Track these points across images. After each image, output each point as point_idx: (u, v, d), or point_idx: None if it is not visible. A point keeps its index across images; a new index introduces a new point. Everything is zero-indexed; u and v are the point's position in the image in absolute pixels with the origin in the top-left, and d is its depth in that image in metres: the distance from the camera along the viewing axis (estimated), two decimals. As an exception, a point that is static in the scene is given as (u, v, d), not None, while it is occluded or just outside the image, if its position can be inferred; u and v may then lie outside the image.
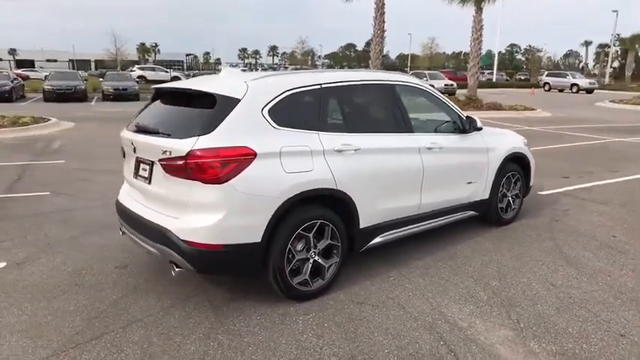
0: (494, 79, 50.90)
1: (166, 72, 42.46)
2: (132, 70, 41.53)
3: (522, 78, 62.33)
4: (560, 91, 38.43)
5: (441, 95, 4.65)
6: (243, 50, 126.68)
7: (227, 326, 3.17)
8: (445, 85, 32.15)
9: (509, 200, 5.26)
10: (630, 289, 3.74)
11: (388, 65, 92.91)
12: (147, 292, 3.64)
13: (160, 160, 3.19)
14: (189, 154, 3.00)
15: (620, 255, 4.42)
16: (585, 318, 3.30)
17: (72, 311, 3.34)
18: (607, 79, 51.80)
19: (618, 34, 64.44)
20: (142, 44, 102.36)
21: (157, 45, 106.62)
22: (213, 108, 3.16)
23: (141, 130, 3.45)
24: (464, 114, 4.74)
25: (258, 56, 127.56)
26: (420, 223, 4.29)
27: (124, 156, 3.85)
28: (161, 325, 3.17)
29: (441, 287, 3.76)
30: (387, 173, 3.88)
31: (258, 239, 3.16)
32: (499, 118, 17.48)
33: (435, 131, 4.45)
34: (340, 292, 3.65)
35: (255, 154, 3.10)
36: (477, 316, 3.32)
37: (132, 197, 3.72)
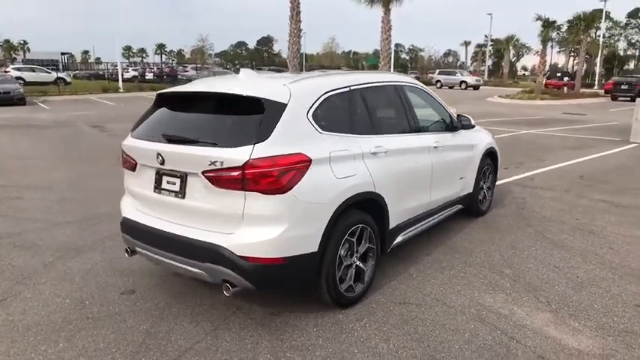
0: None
1: (49, 73, 38.42)
2: (6, 71, 36.88)
3: (413, 77, 66.49)
4: (450, 87, 41.69)
5: (435, 94, 4.84)
6: (128, 49, 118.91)
7: (289, 343, 3.01)
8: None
9: (484, 192, 5.63)
10: (619, 264, 4.24)
11: (280, 64, 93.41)
12: (177, 318, 3.32)
13: (205, 172, 2.92)
14: (247, 164, 2.79)
15: (593, 235, 4.97)
16: (600, 294, 3.67)
17: (105, 349, 2.94)
18: (485, 77, 57.47)
19: (491, 35, 72.10)
20: (7, 41, 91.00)
21: (25, 42, 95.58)
22: (259, 113, 2.97)
23: (172, 139, 3.11)
24: (454, 112, 4.99)
25: (144, 55, 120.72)
26: (428, 219, 4.44)
27: (132, 169, 3.44)
28: (218, 351, 2.92)
29: (464, 280, 3.93)
30: (408, 173, 3.96)
31: (315, 248, 3.05)
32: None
33: (435, 130, 4.62)
34: (375, 294, 3.65)
35: (310, 161, 2.98)
36: (512, 303, 3.53)
37: (149, 214, 3.36)
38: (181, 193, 3.11)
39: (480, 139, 5.40)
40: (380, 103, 3.91)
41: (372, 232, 3.53)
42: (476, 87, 41.07)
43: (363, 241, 3.48)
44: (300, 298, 3.50)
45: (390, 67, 21.88)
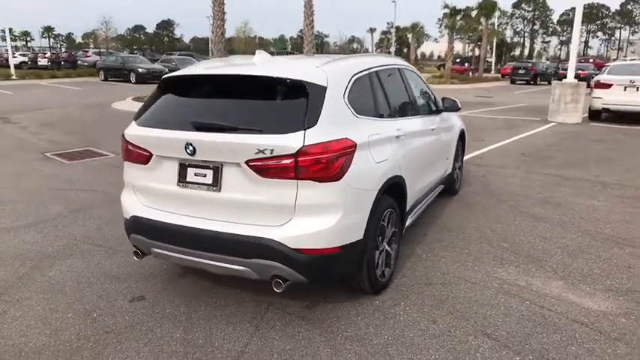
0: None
1: None
2: None
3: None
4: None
5: (422, 77, 4.91)
6: (9, 31, 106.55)
7: (341, 334, 2.92)
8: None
9: (457, 172, 5.88)
10: (595, 231, 4.66)
11: (182, 48, 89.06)
12: (208, 321, 3.07)
13: (250, 162, 2.69)
14: (300, 151, 2.62)
15: (560, 207, 5.41)
16: (594, 259, 4.02)
17: (146, 363, 2.63)
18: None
19: (392, 23, 75.00)
20: None
21: None
22: (302, 97, 2.79)
23: (204, 127, 2.82)
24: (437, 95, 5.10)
25: (28, 38, 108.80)
26: (425, 200, 4.54)
27: (144, 162, 3.08)
28: (274, 352, 2.75)
29: (471, 256, 4.08)
30: (419, 155, 4.00)
31: (362, 235, 2.98)
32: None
33: (429, 112, 4.69)
34: (398, 277, 3.66)
35: (355, 146, 2.88)
36: (525, 275, 3.74)
37: (169, 211, 3.04)
38: (216, 186, 2.84)
39: (455, 120, 5.61)
40: (391, 86, 3.88)
41: (396, 215, 3.53)
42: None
43: (390, 226, 3.47)
44: (321, 287, 3.41)
45: (312, 53, 21.85)
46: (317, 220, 2.73)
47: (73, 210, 5.28)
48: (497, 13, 48.81)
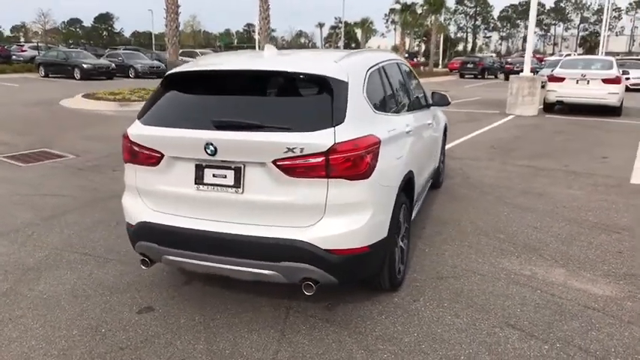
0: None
1: None
2: None
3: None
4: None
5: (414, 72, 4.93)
6: None
7: (371, 334, 2.87)
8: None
9: (441, 165, 5.97)
10: (580, 219, 4.86)
11: (122, 43, 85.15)
12: (230, 329, 2.93)
13: (278, 161, 2.57)
14: (332, 149, 2.54)
15: (542, 197, 5.61)
16: (587, 246, 4.19)
17: (176, 379, 2.47)
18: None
19: (340, 17, 75.74)
20: None
21: None
22: (326, 93, 2.71)
23: (226, 125, 2.66)
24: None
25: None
26: (423, 194, 4.57)
27: (153, 163, 2.88)
28: (307, 357, 2.65)
29: (472, 248, 4.15)
30: (422, 150, 4.02)
31: (386, 233, 2.94)
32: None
33: (422, 107, 4.71)
34: (411, 273, 3.66)
35: (379, 142, 2.82)
36: (527, 264, 3.84)
37: (183, 215, 2.86)
38: (238, 187, 2.70)
39: (440, 115, 5.68)
40: (395, 81, 3.85)
41: (407, 211, 3.52)
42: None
43: (404, 222, 3.45)
44: (336, 287, 3.34)
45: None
46: (348, 219, 2.66)
47: (44, 217, 4.91)
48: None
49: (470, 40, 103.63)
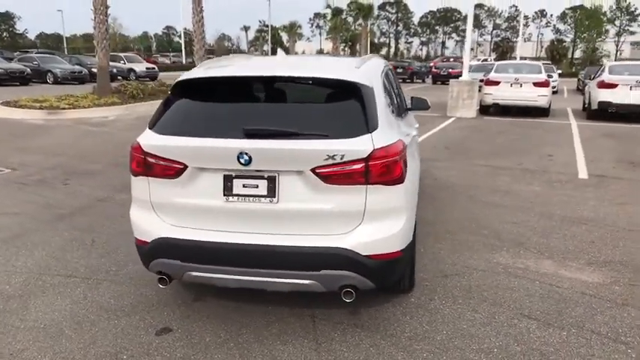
0: (184, 62, 51.52)
1: None
2: None
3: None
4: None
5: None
6: None
7: (402, 335, 2.92)
8: (147, 68, 30.75)
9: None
10: (549, 213, 5.24)
11: (25, 45, 78.53)
12: (261, 344, 2.85)
13: (317, 169, 2.55)
14: (372, 155, 2.56)
15: (509, 194, 5.98)
16: (562, 237, 4.53)
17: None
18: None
19: (264, 21, 75.44)
20: None
21: None
22: (353, 99, 2.72)
23: (258, 134, 2.58)
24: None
25: None
26: None
27: (174, 175, 2.73)
28: (349, 364, 2.65)
29: (463, 245, 4.34)
30: (415, 153, 4.11)
31: (412, 236, 3.00)
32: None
33: (406, 111, 4.84)
34: (416, 273, 3.74)
35: (405, 147, 2.89)
36: (518, 257, 4.08)
37: (209, 228, 2.74)
38: (272, 197, 2.64)
39: (413, 118, 5.86)
40: (394, 86, 3.93)
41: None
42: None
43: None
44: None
45: (204, 52, 21.02)
46: (386, 224, 2.69)
47: (4, 239, 4.47)
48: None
49: (392, 45, 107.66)
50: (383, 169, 2.61)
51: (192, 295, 3.41)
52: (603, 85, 11.84)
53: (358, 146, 2.56)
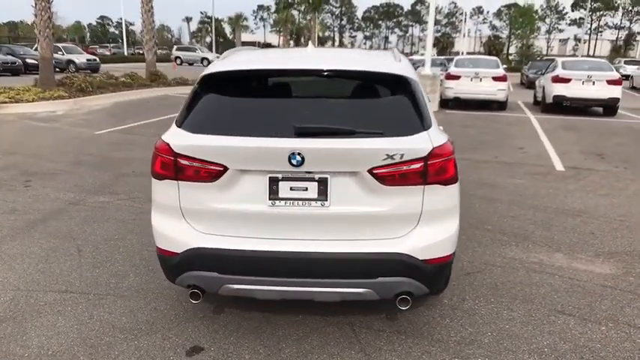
0: (125, 53, 49.05)
1: None
2: None
3: (141, 52, 62.32)
4: (191, 64, 40.95)
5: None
6: None
7: (450, 340, 2.82)
8: (88, 60, 28.94)
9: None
10: (545, 206, 5.35)
11: None
12: (306, 357, 2.66)
13: (374, 169, 2.37)
14: (432, 154, 2.41)
15: (497, 188, 6.06)
16: (564, 230, 4.62)
17: None
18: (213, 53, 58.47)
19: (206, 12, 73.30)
20: None
21: None
22: (402, 95, 2.57)
23: (310, 132, 2.35)
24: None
25: None
26: None
27: (212, 178, 2.45)
28: (408, 375, 2.51)
29: (473, 242, 4.31)
30: None
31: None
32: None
33: None
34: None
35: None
36: (528, 252, 4.11)
37: (251, 236, 2.49)
38: (324, 200, 2.43)
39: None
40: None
41: None
42: (217, 64, 41.52)
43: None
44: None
45: (154, 44, 19.98)
46: (441, 226, 2.56)
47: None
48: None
49: (337, 38, 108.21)
50: (440, 169, 2.47)
51: (211, 306, 3.14)
52: (558, 79, 12.41)
53: (418, 145, 2.41)
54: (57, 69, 25.10)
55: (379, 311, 3.08)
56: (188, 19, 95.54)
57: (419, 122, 2.49)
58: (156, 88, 17.32)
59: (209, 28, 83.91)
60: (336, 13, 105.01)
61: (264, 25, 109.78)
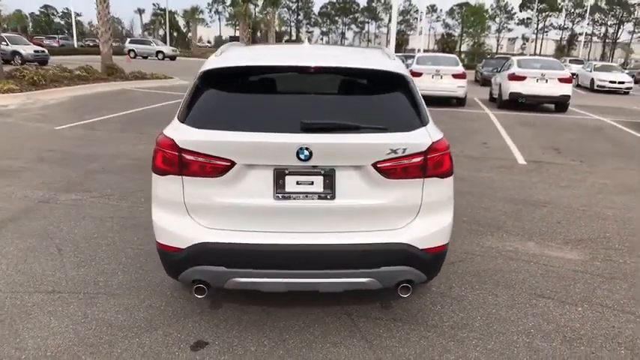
0: (75, 45, 46.90)
1: None
2: None
3: (92, 44, 59.85)
4: (145, 57, 39.76)
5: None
6: None
7: (443, 325, 2.97)
8: (35, 51, 27.47)
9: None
10: (512, 198, 5.64)
11: None
12: (310, 347, 2.73)
13: (378, 163, 2.46)
14: (431, 148, 2.54)
15: (466, 181, 6.32)
16: (533, 220, 4.91)
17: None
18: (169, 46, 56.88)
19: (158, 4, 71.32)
20: None
21: None
22: (400, 91, 2.69)
23: (316, 128, 2.41)
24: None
25: None
26: None
27: (218, 173, 2.46)
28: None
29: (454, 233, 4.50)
30: None
31: None
32: (151, 87, 17.26)
33: None
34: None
35: None
36: (504, 241, 4.35)
37: (257, 229, 2.54)
38: (329, 194, 2.51)
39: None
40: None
41: None
42: (172, 57, 40.52)
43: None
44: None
45: (109, 36, 19.21)
46: (438, 217, 2.70)
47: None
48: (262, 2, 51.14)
49: (294, 34, 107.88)
50: (438, 162, 2.60)
51: (208, 301, 3.15)
52: (514, 77, 12.99)
53: (419, 139, 2.53)
54: (2, 60, 23.90)
55: (373, 300, 3.20)
56: (140, 11, 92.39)
57: (417, 118, 2.61)
58: (113, 82, 16.74)
59: (162, 21, 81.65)
60: (293, 8, 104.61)
61: (219, 19, 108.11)
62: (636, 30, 79.66)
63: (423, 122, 2.62)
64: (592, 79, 22.71)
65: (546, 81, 12.87)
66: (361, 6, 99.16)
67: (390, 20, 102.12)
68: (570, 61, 35.08)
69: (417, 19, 71.71)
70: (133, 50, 40.78)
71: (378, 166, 2.49)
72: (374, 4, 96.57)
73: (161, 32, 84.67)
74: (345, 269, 2.56)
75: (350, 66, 2.73)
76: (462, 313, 3.11)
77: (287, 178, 2.50)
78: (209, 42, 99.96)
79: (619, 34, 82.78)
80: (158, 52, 40.18)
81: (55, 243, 4.04)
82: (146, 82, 18.33)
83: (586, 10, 62.87)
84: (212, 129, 2.48)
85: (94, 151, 7.43)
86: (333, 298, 3.16)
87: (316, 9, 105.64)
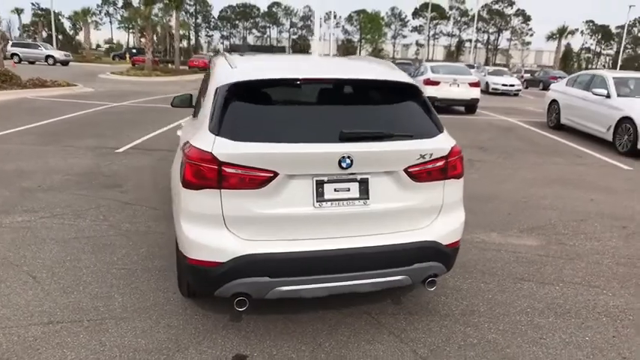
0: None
1: None
2: None
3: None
4: (32, 62, 36.28)
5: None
6: None
7: (455, 311, 3.23)
8: None
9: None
10: (470, 196, 6.12)
11: None
12: (348, 349, 2.84)
13: (409, 168, 2.66)
14: (451, 152, 2.80)
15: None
16: (487, 213, 5.43)
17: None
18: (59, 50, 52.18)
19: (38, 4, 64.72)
20: None
21: None
22: (415, 101, 2.93)
23: (356, 137, 2.53)
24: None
25: None
26: None
27: (259, 185, 2.48)
28: (450, 352, 2.84)
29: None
30: None
31: None
32: (56, 95, 15.88)
33: None
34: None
35: None
36: (471, 233, 4.73)
37: (298, 238, 2.60)
38: (365, 199, 2.65)
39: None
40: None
41: None
42: (65, 63, 37.38)
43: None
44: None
45: (0, 38, 17.34)
46: (455, 214, 2.97)
47: None
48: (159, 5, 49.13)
49: (193, 37, 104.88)
50: (455, 165, 2.87)
51: (226, 316, 3.11)
52: (429, 82, 13.98)
53: (442, 145, 2.77)
54: None
55: (383, 298, 3.38)
56: (19, 11, 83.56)
57: (434, 126, 2.86)
58: (9, 91, 15.11)
59: (45, 22, 74.81)
60: (191, 11, 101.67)
61: (110, 21, 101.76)
62: (513, 37, 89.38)
63: (439, 129, 2.86)
64: (487, 83, 25.07)
65: (458, 85, 14.05)
66: (262, 10, 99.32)
67: (290, 26, 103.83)
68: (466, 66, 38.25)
69: (318, 25, 73.67)
70: (17, 54, 36.86)
71: (409, 170, 2.69)
72: (274, 9, 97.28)
73: (44, 34, 77.52)
74: (382, 269, 2.71)
75: (375, 78, 2.91)
76: (465, 301, 3.41)
77: (326, 185, 2.60)
78: (99, 45, 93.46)
79: (499, 40, 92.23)
80: (48, 56, 36.77)
81: (24, 270, 3.68)
82: (48, 90, 16.77)
83: (472, 18, 69.06)
84: (253, 141, 2.49)
85: (18, 166, 6.74)
86: (344, 300, 3.27)
87: (215, 12, 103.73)
